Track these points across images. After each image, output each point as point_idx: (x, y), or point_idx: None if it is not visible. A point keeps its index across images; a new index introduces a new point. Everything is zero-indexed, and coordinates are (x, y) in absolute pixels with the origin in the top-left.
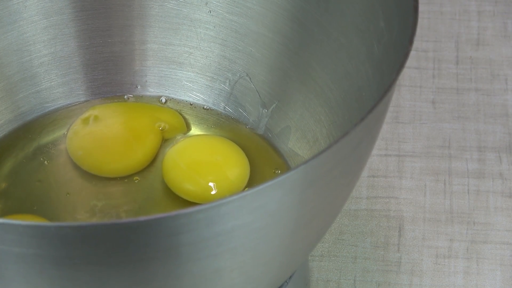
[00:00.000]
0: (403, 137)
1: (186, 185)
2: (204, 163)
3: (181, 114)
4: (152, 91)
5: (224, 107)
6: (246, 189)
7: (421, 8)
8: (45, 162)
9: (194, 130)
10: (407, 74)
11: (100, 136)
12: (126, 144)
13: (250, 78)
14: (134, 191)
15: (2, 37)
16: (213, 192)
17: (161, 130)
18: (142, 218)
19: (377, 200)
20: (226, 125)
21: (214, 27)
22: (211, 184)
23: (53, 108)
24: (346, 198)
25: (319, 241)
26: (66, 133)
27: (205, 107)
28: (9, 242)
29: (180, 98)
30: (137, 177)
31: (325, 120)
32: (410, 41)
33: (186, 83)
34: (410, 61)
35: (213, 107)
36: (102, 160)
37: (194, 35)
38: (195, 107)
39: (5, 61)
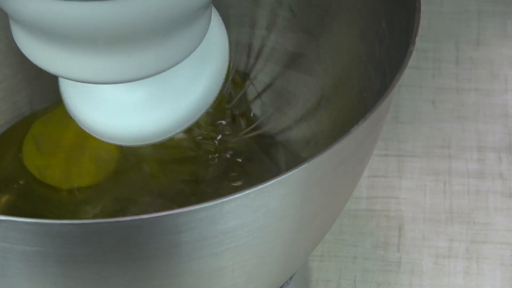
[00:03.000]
0: (403, 137)
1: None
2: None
3: None
4: None
5: None
6: None
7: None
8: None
9: None
10: (407, 74)
11: (63, 148)
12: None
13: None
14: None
15: (3, 37)
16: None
17: None
18: (144, 215)
19: (377, 200)
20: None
21: None
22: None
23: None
24: (347, 197)
25: (321, 241)
26: (21, 155)
27: None
28: (12, 239)
29: None
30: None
31: (326, 121)
32: (412, 42)
33: None
34: (410, 61)
35: None
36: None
37: None
38: None
39: (7, 61)
